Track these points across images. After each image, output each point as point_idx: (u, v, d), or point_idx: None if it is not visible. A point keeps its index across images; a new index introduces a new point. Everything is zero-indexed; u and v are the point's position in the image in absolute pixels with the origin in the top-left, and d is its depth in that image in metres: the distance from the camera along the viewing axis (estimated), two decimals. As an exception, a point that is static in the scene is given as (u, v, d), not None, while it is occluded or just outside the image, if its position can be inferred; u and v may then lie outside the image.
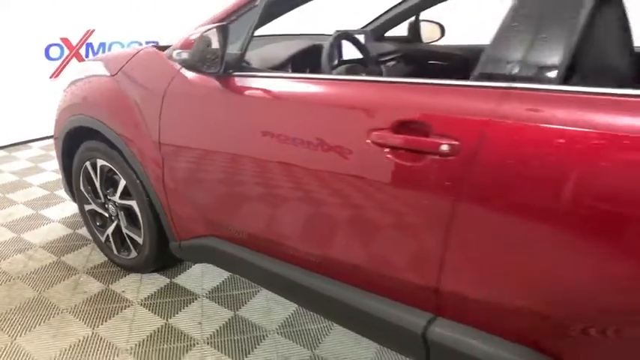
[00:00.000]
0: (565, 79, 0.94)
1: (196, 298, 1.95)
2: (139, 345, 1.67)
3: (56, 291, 1.96)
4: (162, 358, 1.61)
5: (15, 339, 1.68)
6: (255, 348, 1.67)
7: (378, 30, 2.60)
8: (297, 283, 1.41)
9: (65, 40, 3.75)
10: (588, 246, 0.90)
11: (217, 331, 1.76)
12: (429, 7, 2.45)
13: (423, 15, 2.58)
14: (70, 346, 1.65)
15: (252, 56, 1.74)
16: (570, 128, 0.88)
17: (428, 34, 2.64)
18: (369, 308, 1.25)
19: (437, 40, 2.67)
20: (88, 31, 3.85)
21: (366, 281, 1.26)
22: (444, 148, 0.99)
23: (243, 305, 1.91)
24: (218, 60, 1.34)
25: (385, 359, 1.60)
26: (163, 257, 1.95)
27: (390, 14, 2.53)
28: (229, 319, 1.82)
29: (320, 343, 1.69)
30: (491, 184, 0.97)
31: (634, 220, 0.83)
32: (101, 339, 1.69)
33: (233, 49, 1.41)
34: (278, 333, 1.75)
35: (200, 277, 2.09)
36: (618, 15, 1.11)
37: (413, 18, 2.56)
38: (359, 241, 1.24)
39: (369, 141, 1.10)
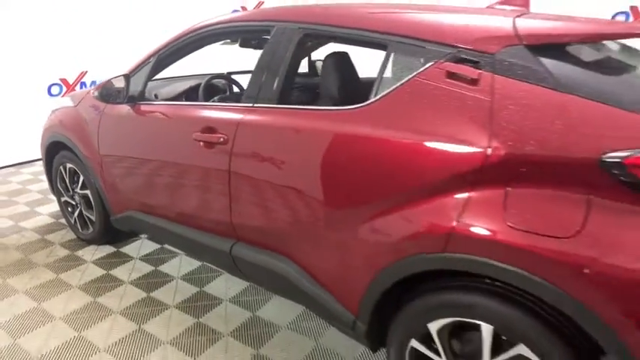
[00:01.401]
0: (284, 101, 1.76)
1: (132, 260, 2.77)
2: (86, 283, 2.50)
3: (37, 255, 2.82)
4: (101, 291, 2.43)
5: (5, 280, 2.53)
6: (160, 287, 2.48)
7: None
8: (174, 233, 2.23)
9: (64, 80, 4.76)
10: (287, 190, 1.69)
11: (140, 277, 2.58)
12: (321, 47, 3.27)
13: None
14: (40, 284, 2.50)
15: (162, 91, 2.62)
16: (278, 124, 1.70)
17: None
18: (205, 241, 2.07)
19: None
20: (82, 72, 4.86)
21: (202, 225, 2.08)
22: (221, 139, 1.82)
23: (163, 263, 2.72)
24: (122, 95, 2.21)
25: (245, 290, 2.39)
26: (109, 230, 2.77)
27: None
28: (151, 271, 2.64)
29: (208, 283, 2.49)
30: (242, 158, 1.79)
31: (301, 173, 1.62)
32: (61, 281, 2.53)
33: (138, 87, 2.28)
34: (182, 279, 2.55)
35: (138, 247, 2.93)
36: (335, 64, 1.94)
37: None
38: (195, 200, 2.06)
39: (192, 139, 1.94)
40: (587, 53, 1.39)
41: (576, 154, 1.15)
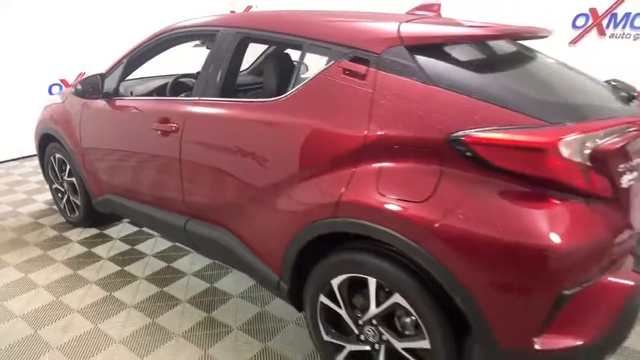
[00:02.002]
0: (225, 94, 2.05)
1: (112, 240, 3.09)
2: (69, 259, 2.82)
3: (29, 235, 3.15)
4: (82, 265, 2.75)
5: (1, 256, 2.86)
6: (134, 263, 2.79)
7: (258, 67, 3.75)
8: (142, 212, 2.54)
9: (63, 81, 5.13)
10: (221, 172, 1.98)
11: (117, 254, 2.89)
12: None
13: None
14: (29, 259, 2.83)
15: (138, 88, 2.94)
16: (217, 114, 1.99)
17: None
18: (165, 218, 2.37)
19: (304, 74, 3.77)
20: (80, 73, 5.21)
21: (162, 205, 2.38)
22: (173, 127, 2.12)
23: (139, 243, 3.03)
24: (97, 91, 2.53)
25: (207, 265, 2.69)
26: (92, 214, 3.09)
27: (262, 57, 3.68)
28: (127, 250, 2.95)
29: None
30: (190, 144, 2.08)
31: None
32: (48, 256, 2.86)
33: (112, 85, 2.60)
34: (153, 256, 2.86)
35: (120, 230, 3.24)
36: (280, 60, 2.21)
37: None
38: (156, 182, 2.36)
39: (152, 128, 2.24)
40: (461, 51, 1.64)
41: (432, 134, 1.41)
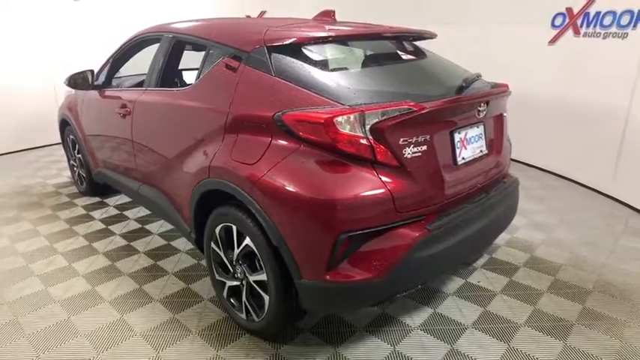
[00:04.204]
0: (163, 85, 2.60)
1: (108, 207, 3.78)
2: (70, 218, 3.54)
3: (48, 200, 3.95)
4: (78, 223, 3.45)
5: (21, 214, 3.65)
6: (117, 223, 3.44)
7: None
8: (117, 180, 3.17)
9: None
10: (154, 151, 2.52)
11: (107, 217, 3.56)
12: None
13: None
14: (41, 217, 3.59)
15: (125, 82, 3.60)
16: (151, 100, 2.55)
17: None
18: (128, 184, 2.97)
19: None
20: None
21: (126, 173, 2.98)
22: (127, 111, 2.71)
23: (127, 210, 3.69)
24: (89, 83, 3.20)
25: None
26: (93, 185, 3.80)
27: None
28: (116, 214, 3.62)
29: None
30: (137, 124, 2.65)
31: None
32: (55, 216, 3.60)
33: (101, 78, 3.26)
34: (134, 220, 3.49)
35: (117, 199, 3.94)
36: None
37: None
38: (121, 156, 2.97)
39: (115, 112, 2.85)
40: (314, 50, 2.04)
41: (265, 113, 1.85)
